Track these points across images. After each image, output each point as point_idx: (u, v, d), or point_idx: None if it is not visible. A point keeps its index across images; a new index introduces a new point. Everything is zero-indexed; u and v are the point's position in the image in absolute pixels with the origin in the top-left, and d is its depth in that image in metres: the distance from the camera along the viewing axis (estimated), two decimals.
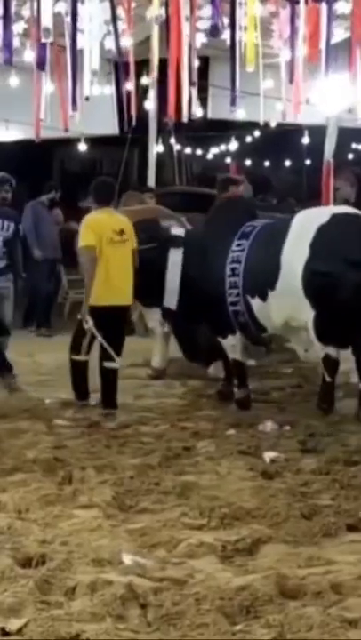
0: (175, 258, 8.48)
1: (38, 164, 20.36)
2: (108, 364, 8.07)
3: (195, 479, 6.03)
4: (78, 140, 14.47)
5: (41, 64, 7.91)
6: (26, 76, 11.27)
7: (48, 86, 10.18)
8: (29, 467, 6.35)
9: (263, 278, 7.82)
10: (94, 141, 15.79)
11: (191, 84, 8.33)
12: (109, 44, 9.42)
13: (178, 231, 8.87)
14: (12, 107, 11.73)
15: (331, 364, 7.67)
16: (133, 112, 9.45)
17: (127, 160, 15.74)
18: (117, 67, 10.43)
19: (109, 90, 12.10)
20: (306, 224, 7.80)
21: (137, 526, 5.18)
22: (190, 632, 3.92)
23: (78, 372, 8.18)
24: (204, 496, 5.66)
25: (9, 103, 11.48)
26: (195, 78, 8.53)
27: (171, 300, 8.54)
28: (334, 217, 7.78)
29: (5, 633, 3.93)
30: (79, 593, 4.30)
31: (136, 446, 6.88)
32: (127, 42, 8.96)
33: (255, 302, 7.89)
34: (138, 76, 10.27)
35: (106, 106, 12.27)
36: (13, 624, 3.99)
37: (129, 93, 11.29)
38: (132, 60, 9.19)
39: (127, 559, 4.66)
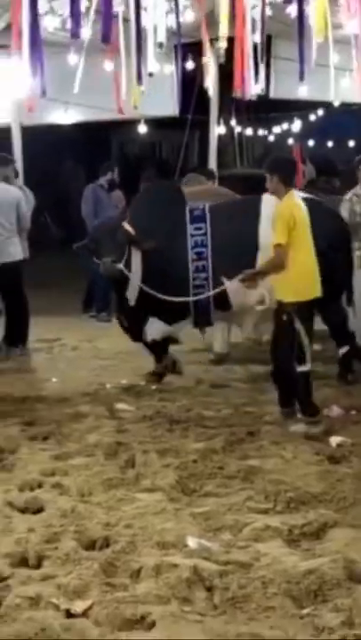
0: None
1: (97, 147, 20.43)
2: (302, 368, 7.05)
3: (259, 463, 6.04)
4: (137, 122, 14.48)
5: (105, 38, 7.91)
6: (85, 57, 11.33)
7: (108, 66, 10.21)
8: (91, 450, 6.41)
9: (240, 259, 7.87)
10: (154, 123, 15.80)
11: (256, 61, 8.31)
12: (170, 21, 9.39)
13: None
14: (70, 89, 11.75)
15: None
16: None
17: (187, 142, 15.72)
18: (178, 46, 10.44)
19: (169, 70, 12.06)
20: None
21: (201, 510, 5.22)
22: (257, 615, 3.94)
23: (308, 384, 7.11)
24: (270, 480, 5.67)
25: (68, 85, 11.50)
26: (260, 55, 8.52)
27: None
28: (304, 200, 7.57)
29: (71, 615, 4.00)
30: (144, 575, 4.35)
31: (199, 431, 6.90)
32: (188, 20, 8.95)
33: (232, 283, 7.89)
34: (199, 55, 10.26)
35: (166, 86, 12.24)
36: (78, 606, 4.06)
37: (190, 73, 11.32)
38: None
39: (192, 542, 4.69)
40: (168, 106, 12.67)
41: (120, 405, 7.74)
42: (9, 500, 5.45)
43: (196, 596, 4.11)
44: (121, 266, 8.04)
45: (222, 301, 8.28)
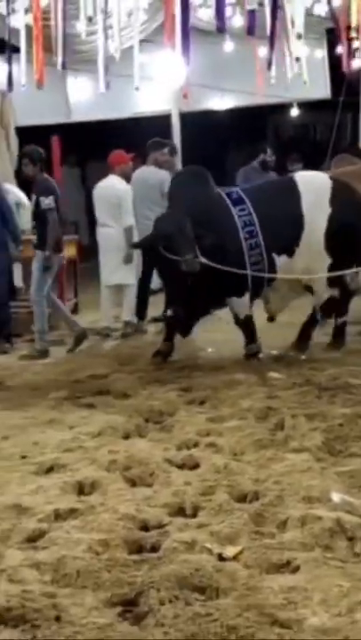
0: None
1: (252, 131, 20.53)
2: None
3: None
4: (291, 105, 14.55)
5: (251, 29, 8.10)
6: (239, 44, 11.49)
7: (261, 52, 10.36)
8: (244, 414, 6.61)
9: (288, 236, 8.48)
10: (306, 106, 15.83)
11: None
12: (319, 9, 9.47)
13: None
14: (226, 75, 11.95)
15: (335, 304, 8.73)
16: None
17: (339, 124, 15.67)
18: (329, 30, 10.49)
19: (320, 53, 12.11)
20: (316, 185, 8.62)
21: (346, 469, 5.33)
22: None
23: None
24: None
25: (223, 72, 11.71)
26: None
27: None
28: (332, 179, 8.73)
29: (222, 558, 4.22)
30: (290, 526, 4.53)
31: (346, 397, 6.99)
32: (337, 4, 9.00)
33: (282, 259, 8.46)
34: (349, 38, 10.29)
35: (317, 70, 12.28)
36: (230, 551, 4.27)
37: (341, 56, 11.34)
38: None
39: (336, 497, 4.84)
40: (320, 88, 12.72)
41: (271, 374, 7.91)
42: (168, 457, 5.72)
43: (338, 545, 4.26)
44: (203, 259, 7.95)
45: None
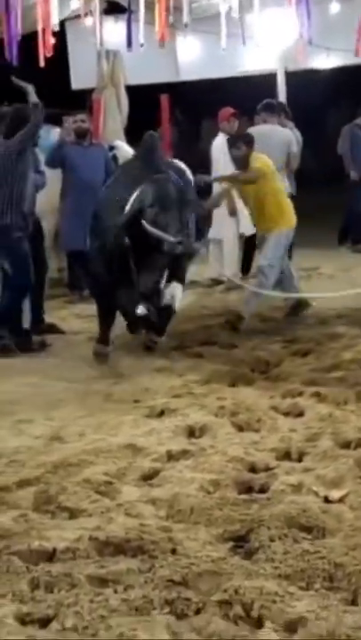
0: None
1: (355, 89, 20.23)
2: None
3: None
4: None
5: None
6: (346, 3, 11.33)
7: None
8: (346, 366, 6.61)
9: None
10: None
11: None
12: None
13: None
14: (332, 35, 11.77)
15: None
16: None
17: None
18: None
19: None
20: None
21: None
22: None
23: None
24: None
25: (329, 31, 11.54)
26: None
27: None
28: None
29: (328, 501, 4.29)
30: None
31: None
32: None
33: None
34: None
35: None
36: (336, 493, 4.34)
37: None
38: None
39: None
40: None
41: None
42: (273, 404, 5.79)
43: None
44: None
45: None
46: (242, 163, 8.18)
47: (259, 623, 3.21)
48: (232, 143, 8.42)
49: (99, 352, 7.21)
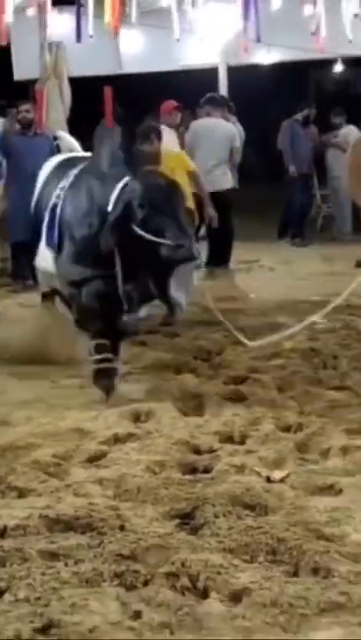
0: None
1: (294, 85, 20.52)
2: None
3: None
4: (334, 61, 14.51)
5: None
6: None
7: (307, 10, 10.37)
8: (287, 354, 6.79)
9: None
10: (349, 62, 15.78)
11: None
12: None
13: None
14: (273, 31, 11.94)
15: None
16: None
17: None
18: None
19: None
20: None
21: None
22: None
23: None
24: None
25: (270, 27, 11.70)
26: None
27: None
28: None
29: (270, 481, 4.44)
30: (333, 454, 4.74)
31: None
32: None
33: None
34: None
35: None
36: (277, 474, 4.49)
37: None
38: None
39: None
40: None
41: (312, 318, 8.04)
42: (217, 390, 5.93)
43: None
44: None
45: None
46: (154, 159, 7.39)
47: (205, 594, 3.34)
48: (144, 137, 7.64)
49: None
